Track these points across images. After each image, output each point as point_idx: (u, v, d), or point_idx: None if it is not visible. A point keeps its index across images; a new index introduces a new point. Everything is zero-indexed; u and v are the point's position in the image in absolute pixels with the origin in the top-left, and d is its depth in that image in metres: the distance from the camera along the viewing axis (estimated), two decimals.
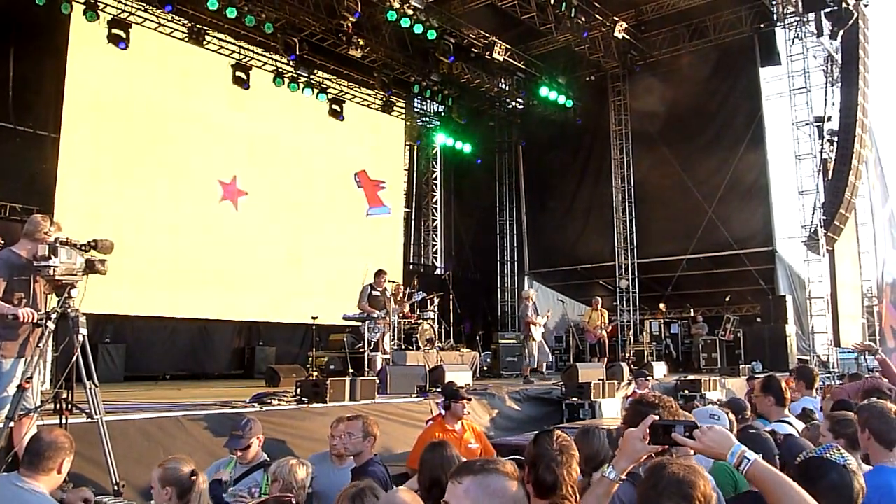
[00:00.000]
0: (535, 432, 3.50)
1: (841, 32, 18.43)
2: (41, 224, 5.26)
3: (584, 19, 17.66)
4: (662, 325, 20.20)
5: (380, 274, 11.75)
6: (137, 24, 14.43)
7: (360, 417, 5.33)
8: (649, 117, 20.61)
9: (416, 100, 21.85)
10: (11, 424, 4.84)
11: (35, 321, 5.05)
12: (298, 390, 8.42)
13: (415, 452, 6.33)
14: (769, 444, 3.69)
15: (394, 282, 13.75)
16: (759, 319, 19.55)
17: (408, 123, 21.54)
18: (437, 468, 3.59)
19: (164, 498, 3.57)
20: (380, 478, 4.77)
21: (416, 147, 23.00)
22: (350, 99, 18.83)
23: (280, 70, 16.90)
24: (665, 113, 20.17)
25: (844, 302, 20.61)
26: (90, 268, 5.25)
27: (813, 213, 19.21)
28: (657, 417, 2.56)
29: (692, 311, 20.03)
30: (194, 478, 3.57)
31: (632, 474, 3.17)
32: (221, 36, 15.89)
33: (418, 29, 16.02)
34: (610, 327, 16.86)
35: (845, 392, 5.81)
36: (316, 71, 17.52)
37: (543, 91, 20.15)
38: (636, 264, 21.56)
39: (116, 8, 14.11)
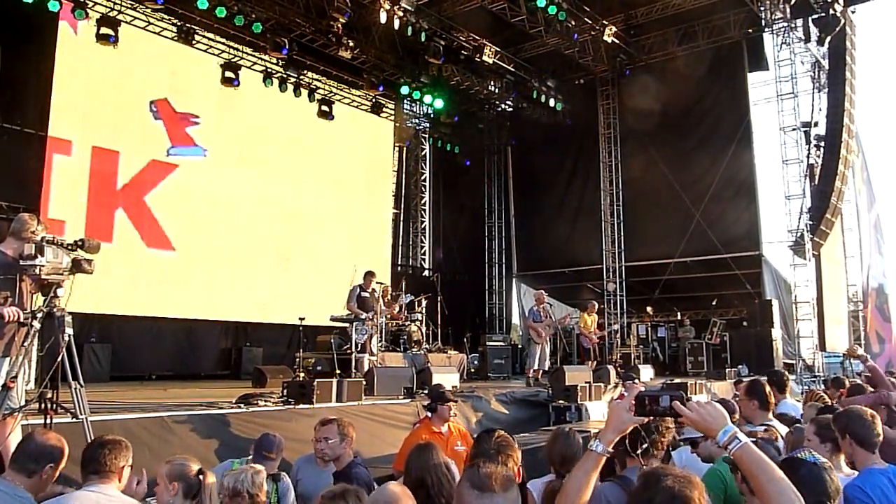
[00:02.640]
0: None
1: (828, 38, 18.53)
2: (28, 223, 5.24)
3: (573, 23, 17.71)
4: (649, 329, 20.26)
5: (369, 275, 11.74)
6: (126, 22, 14.38)
7: (333, 421, 5.23)
8: (638, 121, 20.69)
9: (405, 101, 21.84)
10: None
11: (20, 320, 5.02)
12: (285, 391, 8.41)
13: (401, 455, 6.32)
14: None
15: (381, 283, 13.74)
16: (745, 323, 19.62)
17: (397, 125, 21.53)
18: (423, 470, 3.60)
19: (171, 493, 3.57)
20: (363, 480, 4.76)
21: (405, 148, 22.99)
22: (339, 100, 18.80)
23: (269, 70, 16.86)
24: (654, 117, 20.23)
25: (830, 306, 20.73)
26: (76, 267, 5.22)
27: (799, 218, 19.30)
28: (642, 389, 2.55)
29: (679, 314, 20.10)
30: (201, 476, 3.57)
31: (621, 478, 3.18)
32: (211, 35, 15.84)
33: (408, 30, 16.02)
34: (603, 333, 16.88)
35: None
36: (305, 71, 17.48)
37: (533, 94, 20.18)
38: (624, 267, 21.64)
39: (105, 6, 14.06)
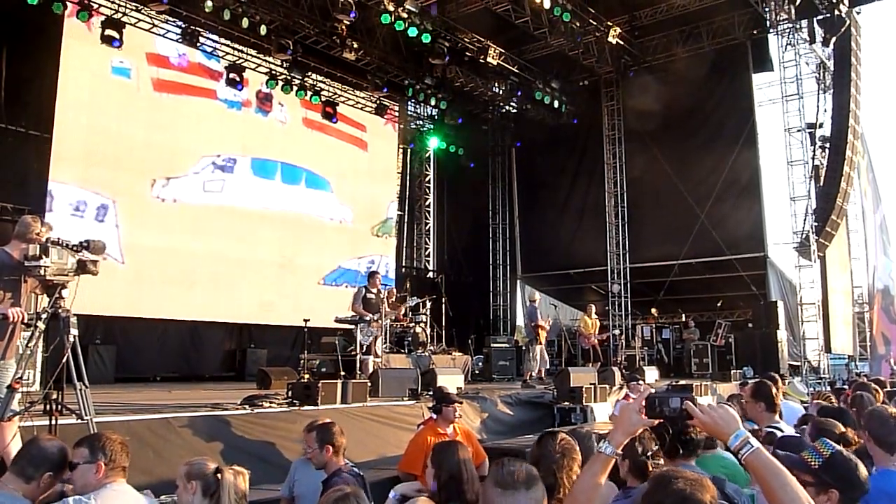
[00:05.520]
0: (534, 434, 3.54)
1: (833, 39, 18.50)
2: (31, 225, 5.22)
3: (577, 24, 17.70)
4: (654, 330, 20.20)
5: (373, 275, 11.71)
6: (131, 24, 14.39)
7: (314, 429, 5.03)
8: (642, 122, 20.66)
9: (409, 103, 21.83)
10: None
11: (25, 321, 5.02)
12: (290, 393, 8.40)
13: (407, 456, 6.31)
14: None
15: (387, 285, 13.72)
16: (750, 325, 19.58)
17: (401, 126, 21.53)
18: (455, 464, 3.67)
19: (190, 492, 3.59)
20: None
21: (409, 150, 22.99)
22: (344, 101, 18.80)
23: (274, 72, 16.87)
24: (658, 118, 20.20)
25: (835, 308, 20.71)
26: (82, 268, 5.21)
27: (804, 219, 19.29)
28: (652, 390, 2.53)
29: (684, 316, 20.04)
30: (218, 475, 3.56)
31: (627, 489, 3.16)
32: (215, 37, 15.85)
33: (412, 32, 16.02)
34: (603, 336, 16.88)
35: None
36: (309, 73, 17.49)
37: (537, 95, 20.17)
38: (628, 269, 21.60)
39: (110, 8, 14.07)
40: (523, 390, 12.07)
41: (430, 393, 8.87)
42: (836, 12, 17.70)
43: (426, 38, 16.45)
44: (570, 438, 3.32)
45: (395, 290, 14.68)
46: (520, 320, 24.76)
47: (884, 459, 3.71)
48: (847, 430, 4.06)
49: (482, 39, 18.06)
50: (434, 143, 22.94)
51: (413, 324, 14.25)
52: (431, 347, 14.49)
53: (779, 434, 4.35)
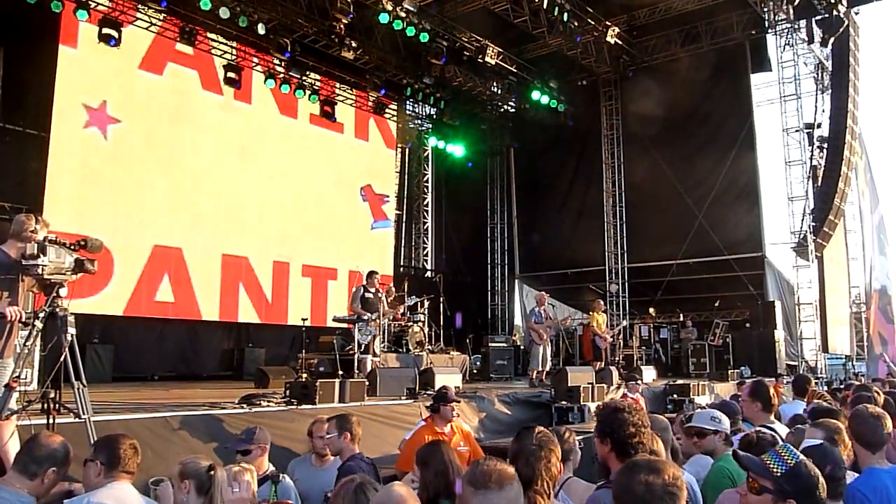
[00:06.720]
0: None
1: (832, 40, 18.52)
2: (26, 223, 5.20)
3: (576, 24, 17.70)
4: (652, 330, 20.22)
5: (372, 275, 11.69)
6: (129, 22, 14.36)
7: (332, 418, 5.43)
8: (641, 122, 20.68)
9: (408, 102, 21.82)
10: None
11: (22, 320, 5.02)
12: (288, 392, 8.40)
13: (404, 455, 6.31)
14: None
15: (385, 284, 13.71)
16: (748, 324, 19.60)
17: (399, 126, 21.52)
18: (442, 462, 3.70)
19: (184, 491, 3.59)
20: (365, 472, 4.78)
21: (407, 149, 22.98)
22: (342, 101, 18.77)
23: (272, 71, 16.84)
24: (656, 118, 20.21)
25: (833, 308, 20.73)
26: (79, 267, 5.21)
27: (802, 219, 19.32)
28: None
29: (682, 315, 20.07)
30: (212, 472, 3.57)
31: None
32: (213, 36, 15.82)
33: (411, 31, 16.01)
34: (615, 332, 16.88)
35: None
36: (308, 72, 17.47)
37: (535, 95, 20.18)
38: (626, 268, 21.62)
39: (108, 7, 14.04)
40: (521, 390, 12.07)
41: (429, 392, 8.88)
42: (835, 13, 17.72)
43: (424, 38, 16.44)
44: (547, 432, 3.38)
45: (393, 290, 14.71)
46: (518, 320, 24.80)
47: (868, 459, 3.72)
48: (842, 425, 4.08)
49: (480, 39, 18.06)
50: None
51: (411, 323, 14.26)
52: (429, 347, 14.50)
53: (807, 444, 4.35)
